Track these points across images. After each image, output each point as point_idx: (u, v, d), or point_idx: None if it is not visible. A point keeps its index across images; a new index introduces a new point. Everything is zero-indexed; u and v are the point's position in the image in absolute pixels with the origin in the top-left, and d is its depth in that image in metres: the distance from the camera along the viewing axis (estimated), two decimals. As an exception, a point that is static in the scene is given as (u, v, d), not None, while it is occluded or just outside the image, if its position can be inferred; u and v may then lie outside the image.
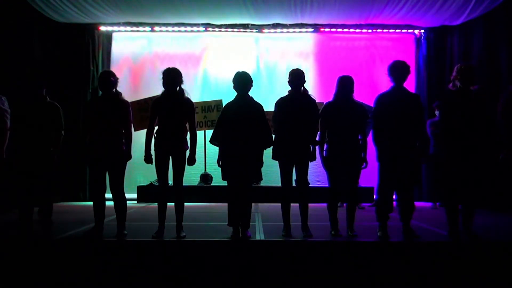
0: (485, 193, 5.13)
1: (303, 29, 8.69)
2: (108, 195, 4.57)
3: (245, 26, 8.61)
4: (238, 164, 4.41)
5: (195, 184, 7.95)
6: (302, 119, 4.53)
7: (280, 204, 4.65)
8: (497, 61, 7.58)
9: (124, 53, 8.84)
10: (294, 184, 4.65)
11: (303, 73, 4.66)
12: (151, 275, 4.07)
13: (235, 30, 8.67)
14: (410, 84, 7.37)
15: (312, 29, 8.69)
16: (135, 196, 7.69)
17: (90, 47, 8.47)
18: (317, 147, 4.65)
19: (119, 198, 4.56)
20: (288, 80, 4.66)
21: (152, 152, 4.55)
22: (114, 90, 4.57)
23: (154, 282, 4.06)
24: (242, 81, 4.52)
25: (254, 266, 4.12)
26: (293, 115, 4.53)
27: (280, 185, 4.65)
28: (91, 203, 4.66)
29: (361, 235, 4.51)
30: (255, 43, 8.88)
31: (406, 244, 4.31)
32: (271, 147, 4.62)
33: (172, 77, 4.48)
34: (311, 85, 7.98)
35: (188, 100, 4.58)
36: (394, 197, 4.57)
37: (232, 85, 4.57)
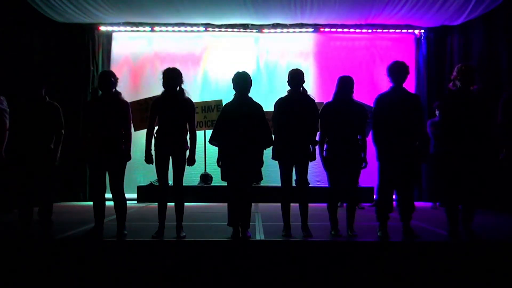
0: (485, 193, 5.13)
1: (303, 29, 8.70)
2: (108, 195, 4.57)
3: (245, 26, 8.62)
4: (238, 164, 4.40)
5: (195, 184, 7.96)
6: (302, 119, 4.52)
7: (280, 204, 4.65)
8: (497, 61, 7.57)
9: (124, 53, 8.86)
10: (294, 184, 4.65)
11: (303, 73, 4.65)
12: (151, 275, 4.06)
13: (235, 30, 8.68)
14: (410, 84, 7.38)
15: (312, 29, 8.70)
16: (135, 196, 7.70)
17: (90, 47, 8.48)
18: (317, 147, 4.64)
19: (119, 198, 4.56)
20: (287, 80, 4.66)
21: (152, 152, 4.55)
22: (114, 90, 4.57)
23: (154, 282, 4.05)
24: (242, 81, 4.50)
25: (254, 266, 4.12)
26: (293, 115, 4.52)
27: (280, 185, 4.64)
28: (91, 203, 4.66)
29: (361, 235, 4.51)
30: (255, 43, 8.89)
31: (406, 244, 4.30)
32: (271, 147, 4.61)
33: (172, 77, 4.48)
34: (311, 85, 8.00)
35: (188, 100, 4.57)
36: (394, 197, 4.57)
37: (232, 85, 4.57)
